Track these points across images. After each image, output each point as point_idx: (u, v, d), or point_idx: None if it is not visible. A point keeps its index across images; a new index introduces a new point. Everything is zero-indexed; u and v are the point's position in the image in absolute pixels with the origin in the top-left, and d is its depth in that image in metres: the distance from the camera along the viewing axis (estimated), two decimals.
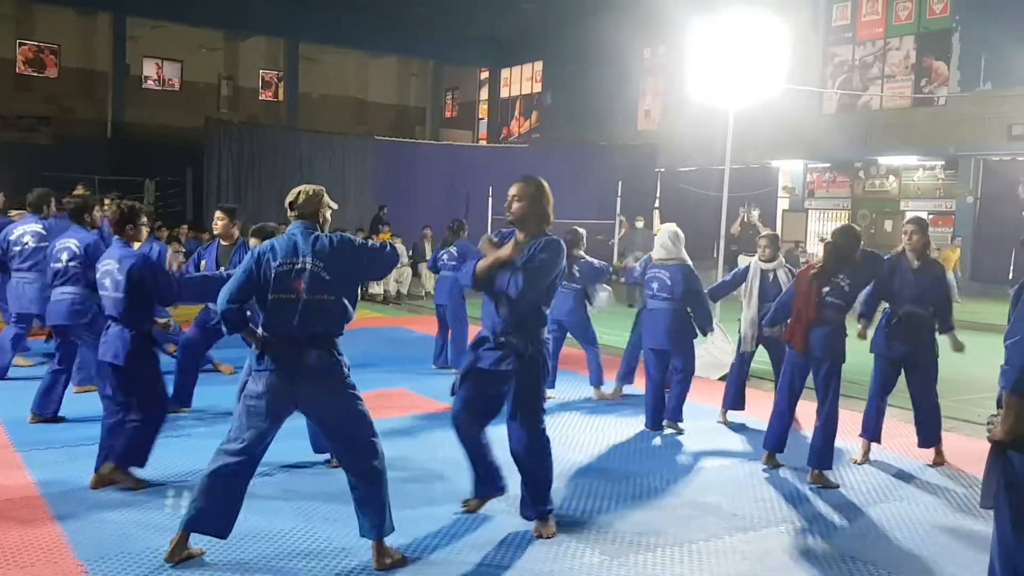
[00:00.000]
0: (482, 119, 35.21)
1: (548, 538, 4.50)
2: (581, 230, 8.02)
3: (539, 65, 32.66)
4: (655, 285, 6.85)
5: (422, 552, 4.26)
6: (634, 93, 29.06)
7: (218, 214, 7.20)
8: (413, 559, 4.17)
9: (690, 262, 6.95)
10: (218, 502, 3.99)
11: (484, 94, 35.28)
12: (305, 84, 32.03)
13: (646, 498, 5.25)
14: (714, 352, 9.33)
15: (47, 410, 6.43)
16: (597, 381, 8.08)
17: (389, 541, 4.13)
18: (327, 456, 5.55)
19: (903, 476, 5.95)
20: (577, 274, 7.73)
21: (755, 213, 12.39)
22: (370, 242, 4.55)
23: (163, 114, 29.16)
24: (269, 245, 4.02)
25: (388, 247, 4.35)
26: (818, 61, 23.86)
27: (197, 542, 4.11)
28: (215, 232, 7.24)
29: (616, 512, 4.97)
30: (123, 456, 5.05)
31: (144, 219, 5.36)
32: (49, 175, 19.01)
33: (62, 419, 6.46)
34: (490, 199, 22.09)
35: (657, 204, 25.18)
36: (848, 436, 6.84)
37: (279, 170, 23.71)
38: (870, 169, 23.93)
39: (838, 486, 5.61)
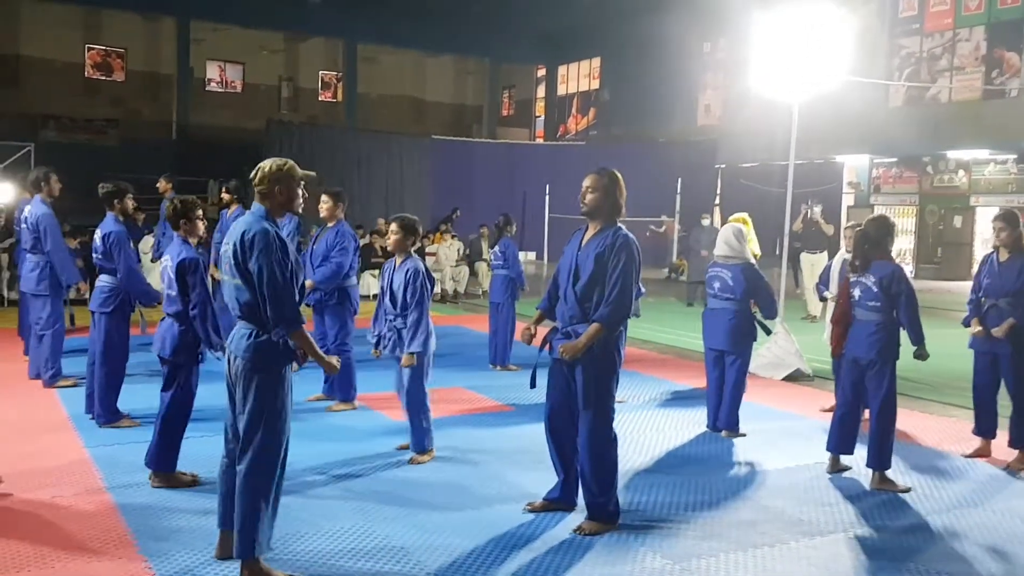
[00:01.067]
0: (539, 117, 35.16)
1: (590, 534, 4.44)
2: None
3: (596, 61, 32.52)
4: (716, 284, 6.71)
5: (474, 551, 4.21)
6: (693, 88, 28.73)
7: (323, 197, 7.21)
8: (463, 558, 4.11)
9: (753, 260, 6.80)
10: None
11: (541, 91, 35.24)
12: (363, 85, 32.35)
13: (708, 501, 5.12)
14: (777, 352, 9.13)
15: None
16: None
17: (440, 544, 4.07)
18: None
19: (986, 480, 5.72)
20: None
21: (817, 209, 12.10)
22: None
23: (225, 115, 29.69)
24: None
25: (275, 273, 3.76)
26: (884, 53, 23.31)
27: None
28: (321, 215, 7.27)
29: (678, 515, 4.85)
30: (153, 462, 5.10)
31: (200, 212, 5.40)
32: (115, 177, 19.43)
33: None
34: (547, 197, 22.04)
35: (718, 201, 24.86)
36: (935, 438, 6.65)
37: (337, 170, 23.93)
38: (938, 164, 23.31)
39: (908, 490, 5.42)
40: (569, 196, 20.91)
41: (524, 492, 5.05)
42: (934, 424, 7.22)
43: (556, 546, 4.34)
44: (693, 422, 7.00)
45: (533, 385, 4.75)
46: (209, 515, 4.44)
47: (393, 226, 5.78)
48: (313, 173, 4.12)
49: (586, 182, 4.54)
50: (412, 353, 5.53)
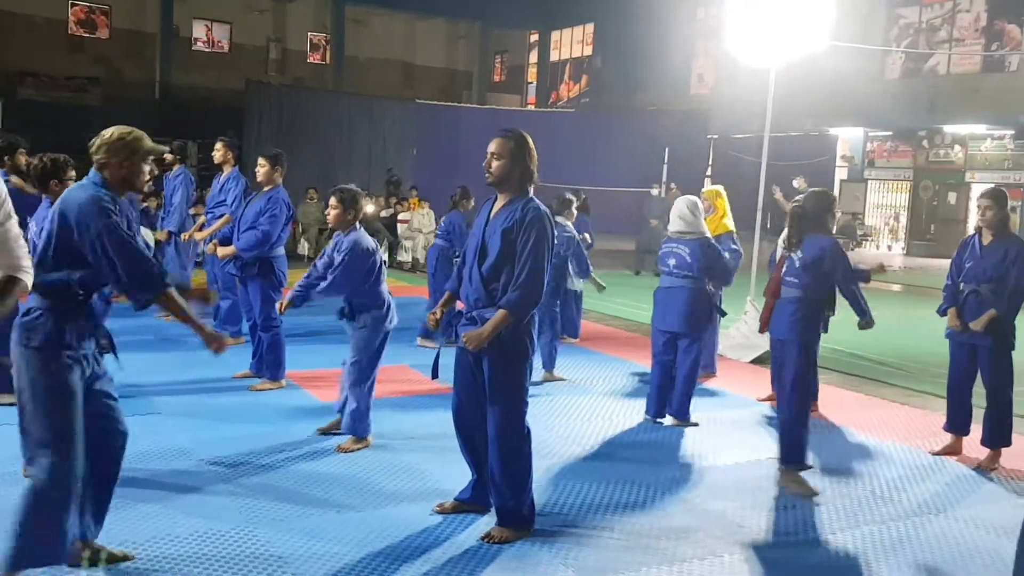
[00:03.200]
0: (531, 83, 34.44)
1: (500, 542, 3.97)
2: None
3: (590, 27, 31.75)
4: (671, 261, 6.18)
5: (361, 561, 3.74)
6: (687, 56, 28.00)
7: (260, 160, 6.82)
8: (346, 570, 3.65)
9: (710, 235, 6.29)
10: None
11: (533, 57, 34.47)
12: (352, 47, 31.60)
13: (640, 502, 4.64)
14: (746, 332, 8.65)
15: None
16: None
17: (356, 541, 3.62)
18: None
19: (953, 481, 5.25)
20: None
21: (796, 182, 11.51)
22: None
23: (211, 76, 29.00)
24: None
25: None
26: (882, 22, 22.61)
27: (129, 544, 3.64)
28: (257, 179, 6.87)
29: (603, 519, 4.38)
30: None
31: (72, 173, 4.90)
32: (95, 136, 18.88)
33: None
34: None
35: (709, 172, 24.30)
36: (901, 432, 6.18)
37: (319, 133, 23.41)
38: (934, 138, 22.73)
39: (815, 494, 4.86)
40: (557, 164, 20.53)
41: (440, 490, 4.58)
42: (903, 416, 6.75)
43: (457, 556, 3.87)
44: (636, 409, 6.50)
45: (435, 375, 4.25)
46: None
47: (332, 200, 5.34)
48: (165, 148, 3.62)
49: (491, 147, 3.99)
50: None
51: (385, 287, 5.39)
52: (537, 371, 6.83)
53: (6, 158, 6.07)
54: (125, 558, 3.62)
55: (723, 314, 6.79)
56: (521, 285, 3.85)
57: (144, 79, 29.06)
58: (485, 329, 3.88)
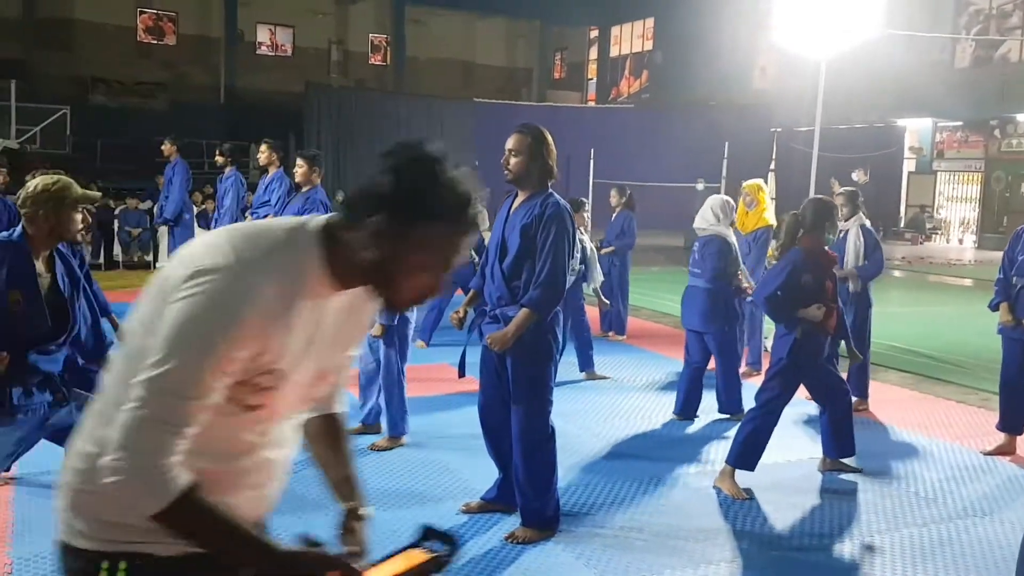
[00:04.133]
0: (591, 79, 34.24)
1: (523, 543, 3.94)
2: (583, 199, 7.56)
3: (650, 22, 31.43)
4: (692, 259, 6.15)
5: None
6: (749, 49, 27.52)
7: (298, 160, 6.93)
8: None
9: (730, 236, 6.16)
10: None
11: (593, 53, 34.27)
12: (412, 48, 31.84)
13: (668, 504, 4.56)
14: None
15: None
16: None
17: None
18: None
19: (1003, 483, 5.05)
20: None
21: (856, 175, 11.21)
22: None
23: (274, 79, 29.49)
24: None
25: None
26: (950, 10, 21.91)
27: None
28: (296, 180, 7.03)
29: (628, 519, 4.30)
30: None
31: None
32: (163, 140, 19.36)
33: None
34: (591, 162, 21.37)
35: (773, 167, 23.87)
36: (955, 432, 5.98)
37: (378, 134, 23.62)
38: (1007, 128, 21.96)
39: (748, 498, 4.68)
40: (616, 161, 20.36)
41: (469, 488, 4.57)
42: (957, 414, 6.53)
43: (480, 556, 3.85)
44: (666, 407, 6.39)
45: (461, 374, 4.23)
46: None
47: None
48: (97, 195, 3.62)
49: (509, 143, 3.94)
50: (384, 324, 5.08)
51: None
52: (566, 370, 6.82)
53: None
54: None
55: (740, 316, 6.56)
56: (542, 283, 3.81)
57: (209, 83, 29.70)
58: (509, 330, 3.85)
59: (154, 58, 29.40)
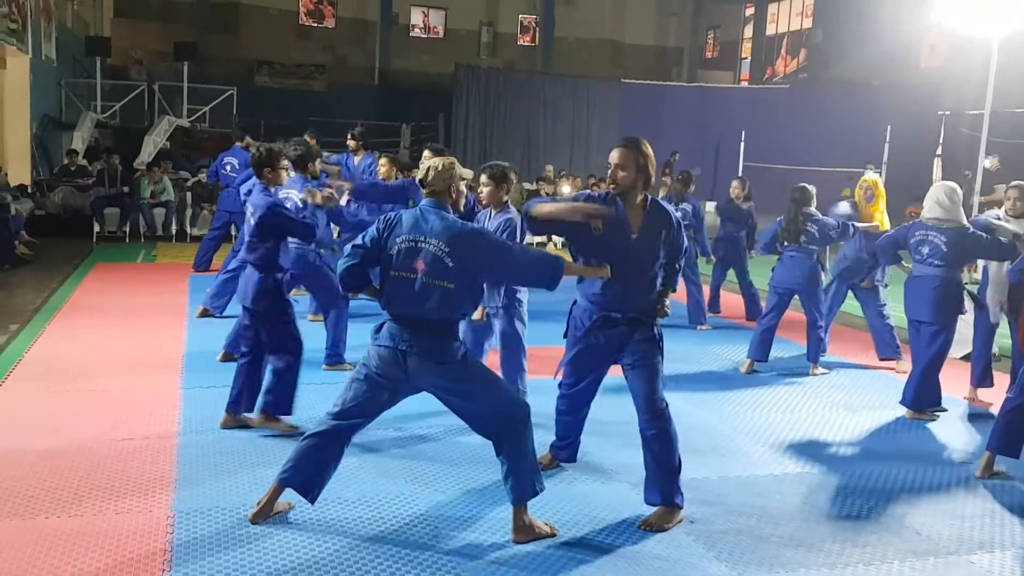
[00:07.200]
0: (745, 59, 33.20)
1: (656, 531, 3.94)
2: (811, 187, 7.10)
3: None
4: (925, 249, 5.90)
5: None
6: (917, 27, 26.02)
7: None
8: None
9: (968, 224, 5.96)
10: (311, 462, 3.76)
11: (748, 32, 33.19)
12: (561, 28, 31.79)
13: (812, 504, 4.40)
14: (962, 328, 7.95)
15: (236, 350, 6.52)
16: (815, 357, 7.16)
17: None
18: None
19: None
20: (814, 234, 6.90)
21: (988, 162, 10.25)
22: (512, 243, 4.22)
23: (427, 61, 30.10)
24: (397, 217, 3.75)
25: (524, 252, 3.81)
26: None
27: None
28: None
29: (766, 515, 4.19)
30: (270, 404, 5.07)
31: (285, 162, 5.26)
32: (319, 120, 20.13)
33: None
34: (742, 144, 20.83)
35: (939, 152, 22.55)
36: None
37: (524, 115, 23.76)
38: None
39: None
40: (769, 144, 19.61)
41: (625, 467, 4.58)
42: None
43: (608, 542, 3.83)
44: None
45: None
46: (261, 465, 4.45)
47: (483, 178, 5.35)
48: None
49: (614, 157, 4.06)
50: (485, 307, 5.14)
51: None
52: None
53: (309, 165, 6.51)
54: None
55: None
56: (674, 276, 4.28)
57: (365, 65, 30.61)
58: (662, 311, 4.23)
59: (314, 41, 30.52)
